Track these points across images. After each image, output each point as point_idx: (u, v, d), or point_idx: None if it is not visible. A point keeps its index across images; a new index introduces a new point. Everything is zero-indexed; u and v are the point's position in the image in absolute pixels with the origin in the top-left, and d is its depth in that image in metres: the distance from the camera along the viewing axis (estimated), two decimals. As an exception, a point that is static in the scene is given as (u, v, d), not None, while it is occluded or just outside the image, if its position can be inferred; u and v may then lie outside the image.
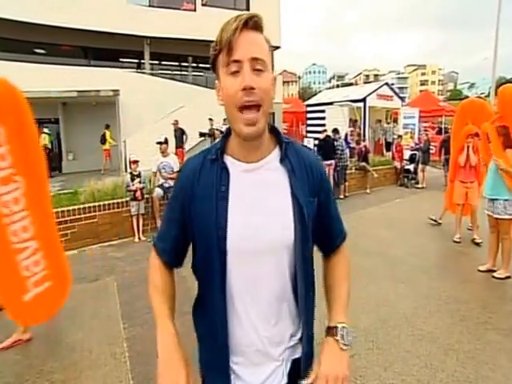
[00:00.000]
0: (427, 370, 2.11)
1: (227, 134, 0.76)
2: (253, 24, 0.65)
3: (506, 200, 3.23)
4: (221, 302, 0.73)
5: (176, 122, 8.95)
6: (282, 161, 0.74)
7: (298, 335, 0.79)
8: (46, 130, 10.11)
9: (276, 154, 0.75)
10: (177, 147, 8.65)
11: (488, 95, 14.38)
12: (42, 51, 11.93)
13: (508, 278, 3.26)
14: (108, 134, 10.41)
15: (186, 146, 9.25)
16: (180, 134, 8.90)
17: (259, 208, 0.71)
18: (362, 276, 3.43)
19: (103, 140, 10.37)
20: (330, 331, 0.74)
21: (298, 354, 0.78)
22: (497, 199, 3.30)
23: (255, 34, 0.66)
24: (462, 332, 2.47)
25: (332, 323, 0.76)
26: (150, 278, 0.81)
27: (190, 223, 0.75)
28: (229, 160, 0.73)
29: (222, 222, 0.70)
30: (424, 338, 2.41)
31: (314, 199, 0.76)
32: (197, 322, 0.83)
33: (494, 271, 3.36)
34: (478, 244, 4.23)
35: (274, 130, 0.76)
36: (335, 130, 7.58)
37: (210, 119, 8.72)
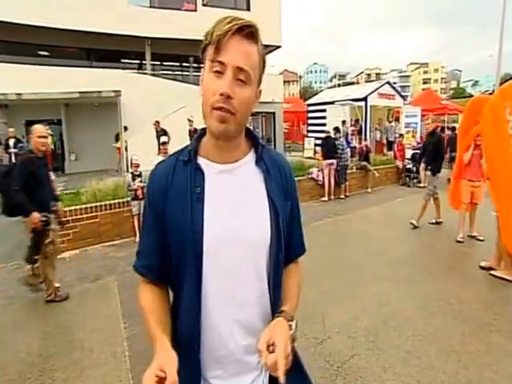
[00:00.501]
0: (428, 372, 2.09)
1: (201, 136, 0.74)
2: (247, 33, 0.63)
3: None
4: (195, 310, 0.69)
5: (157, 123, 8.59)
6: (257, 162, 0.73)
7: None
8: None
9: (251, 156, 0.74)
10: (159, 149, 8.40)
11: (492, 93, 14.25)
12: (45, 53, 12.04)
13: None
14: (122, 136, 10.00)
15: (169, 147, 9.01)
16: (162, 135, 8.50)
17: (236, 210, 0.69)
18: (364, 276, 3.42)
19: (117, 138, 10.05)
20: (283, 313, 0.71)
21: None
22: None
23: (248, 43, 0.64)
24: (464, 333, 2.44)
25: (286, 310, 0.73)
26: (140, 301, 0.75)
27: (165, 228, 0.70)
28: (202, 161, 0.71)
29: (198, 225, 0.67)
30: (425, 339, 2.38)
31: (288, 203, 0.76)
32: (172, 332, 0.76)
33: (493, 269, 3.33)
34: (480, 240, 4.21)
35: (249, 133, 0.76)
36: (336, 129, 7.54)
37: (190, 120, 8.18)
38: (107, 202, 4.66)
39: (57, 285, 3.09)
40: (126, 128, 9.95)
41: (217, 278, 0.69)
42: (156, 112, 9.95)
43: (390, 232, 4.82)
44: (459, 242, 4.25)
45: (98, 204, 4.57)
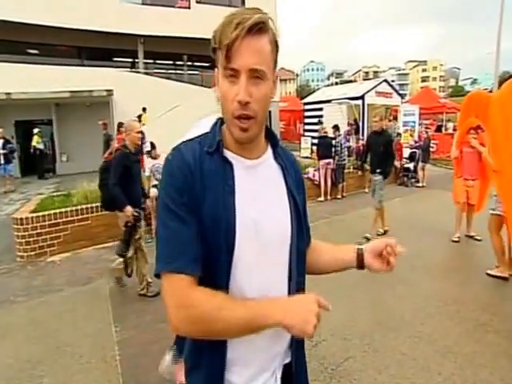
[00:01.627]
0: (423, 373, 2.07)
1: (220, 124, 0.72)
2: (257, 30, 0.61)
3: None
4: None
5: (104, 125, 7.78)
6: (275, 158, 0.76)
7: (289, 338, 0.76)
8: (35, 131, 9.98)
9: (270, 152, 0.77)
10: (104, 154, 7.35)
11: (491, 91, 14.34)
12: (34, 51, 11.84)
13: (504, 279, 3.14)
14: (144, 117, 8.71)
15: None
16: (106, 140, 7.55)
17: (262, 204, 0.71)
18: (360, 276, 3.37)
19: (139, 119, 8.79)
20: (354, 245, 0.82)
21: (288, 359, 0.77)
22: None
23: (258, 39, 0.62)
24: (460, 334, 2.42)
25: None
26: (204, 308, 0.61)
27: (196, 220, 0.65)
28: (228, 154, 0.70)
29: (231, 218, 0.66)
30: (422, 341, 2.36)
31: (301, 196, 0.80)
32: None
33: (506, 278, 3.18)
34: (478, 240, 4.17)
35: (266, 130, 0.77)
36: (335, 127, 7.51)
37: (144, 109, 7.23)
38: (99, 204, 4.57)
39: (149, 280, 3.10)
40: (144, 109, 9.06)
41: (244, 271, 0.69)
42: (149, 111, 9.84)
43: (387, 232, 4.79)
44: (454, 241, 4.23)
45: (90, 206, 4.50)
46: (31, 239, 4.07)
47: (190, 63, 14.54)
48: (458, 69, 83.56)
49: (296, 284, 0.75)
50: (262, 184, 0.73)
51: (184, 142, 0.72)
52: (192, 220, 0.64)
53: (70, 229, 4.31)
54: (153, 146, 5.05)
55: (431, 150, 9.43)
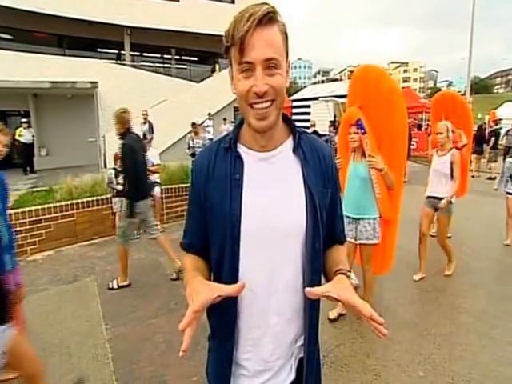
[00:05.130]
0: (406, 355, 2.23)
1: (240, 123, 0.76)
2: (267, 20, 0.63)
3: (374, 219, 2.44)
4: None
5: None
6: (294, 150, 0.75)
7: (304, 333, 0.77)
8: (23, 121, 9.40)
9: (289, 143, 0.75)
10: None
11: (464, 93, 15.02)
12: (7, 36, 11.08)
13: None
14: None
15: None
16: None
17: (272, 196, 0.71)
18: (345, 260, 3.49)
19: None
20: (342, 271, 0.73)
21: (302, 353, 0.78)
22: (362, 219, 2.45)
23: (269, 29, 0.64)
24: (438, 317, 2.63)
25: (342, 269, 0.74)
26: (183, 267, 0.82)
27: (206, 212, 0.75)
28: (242, 149, 0.74)
29: (236, 210, 0.69)
30: (404, 326, 2.53)
31: (327, 190, 0.77)
32: (209, 313, 0.79)
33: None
34: (433, 236, 4.03)
35: (287, 120, 0.77)
36: (332, 123, 7.64)
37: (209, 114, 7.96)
38: (84, 200, 4.43)
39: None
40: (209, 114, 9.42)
41: (252, 263, 0.71)
42: (135, 105, 9.55)
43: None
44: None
45: (75, 202, 4.34)
46: (11, 237, 3.89)
47: (177, 57, 14.22)
48: (436, 71, 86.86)
49: (311, 281, 0.73)
50: (275, 176, 0.72)
51: (212, 142, 0.82)
52: (196, 216, 0.79)
53: (52, 226, 4.14)
54: (144, 136, 4.98)
55: (412, 147, 9.77)
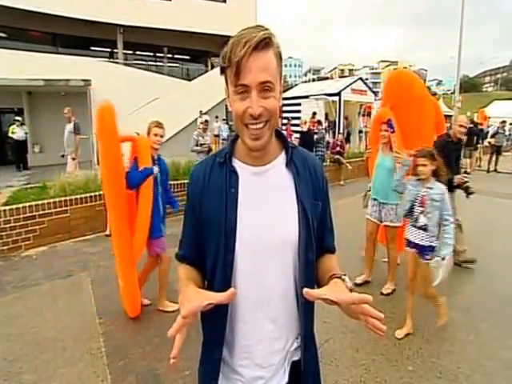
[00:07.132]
0: (395, 349, 2.27)
1: (235, 139, 0.79)
2: (263, 45, 0.65)
3: (396, 204, 2.81)
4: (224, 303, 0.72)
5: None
6: (287, 164, 0.77)
7: (299, 338, 0.80)
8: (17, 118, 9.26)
9: (282, 158, 0.78)
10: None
11: (453, 92, 15.28)
12: (2, 35, 10.98)
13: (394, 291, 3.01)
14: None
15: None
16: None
17: (266, 210, 0.73)
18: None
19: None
20: (336, 275, 0.74)
21: (297, 357, 0.80)
22: (386, 203, 2.89)
23: (265, 54, 0.66)
24: (427, 313, 2.65)
25: (336, 273, 0.74)
26: (177, 276, 0.82)
27: (201, 223, 0.77)
28: (237, 163, 0.77)
29: (231, 222, 0.72)
30: (394, 321, 2.56)
31: (318, 203, 0.80)
32: (203, 322, 0.82)
33: (369, 282, 3.17)
34: None
35: (280, 135, 0.80)
36: (319, 122, 7.77)
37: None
38: (78, 196, 4.42)
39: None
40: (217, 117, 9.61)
41: (246, 272, 0.73)
42: (128, 103, 9.53)
43: (359, 224, 5.02)
44: None
45: (69, 198, 4.33)
46: (3, 233, 3.86)
47: (170, 55, 14.17)
48: (425, 70, 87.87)
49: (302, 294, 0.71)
50: (268, 190, 0.75)
51: (208, 157, 0.85)
52: (191, 226, 0.81)
53: (46, 222, 4.12)
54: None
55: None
